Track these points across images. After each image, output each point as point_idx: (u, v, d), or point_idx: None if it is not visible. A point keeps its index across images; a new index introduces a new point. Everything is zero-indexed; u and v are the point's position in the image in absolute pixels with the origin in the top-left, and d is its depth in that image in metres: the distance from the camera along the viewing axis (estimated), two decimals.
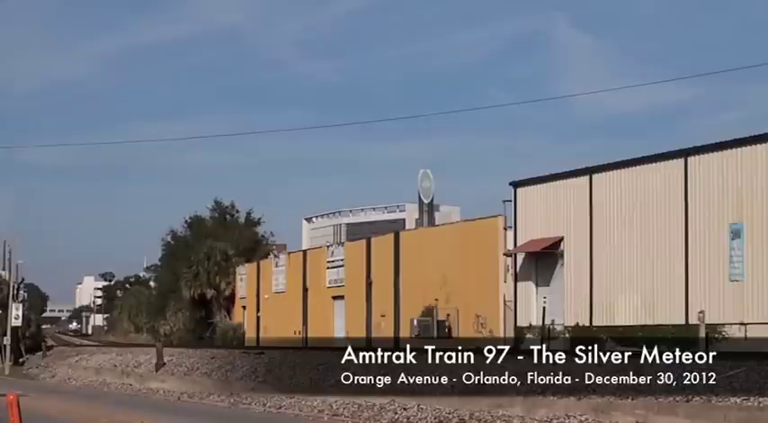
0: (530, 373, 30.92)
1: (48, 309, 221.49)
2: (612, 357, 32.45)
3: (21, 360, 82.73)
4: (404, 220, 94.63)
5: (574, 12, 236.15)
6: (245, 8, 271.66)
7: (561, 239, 52.51)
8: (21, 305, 78.93)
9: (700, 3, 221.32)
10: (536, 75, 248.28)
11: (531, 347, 48.73)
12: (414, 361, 38.66)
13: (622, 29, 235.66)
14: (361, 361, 41.30)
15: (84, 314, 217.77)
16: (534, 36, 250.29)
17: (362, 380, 37.54)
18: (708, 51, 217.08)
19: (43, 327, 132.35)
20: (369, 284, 69.87)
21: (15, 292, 79.17)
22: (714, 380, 25.02)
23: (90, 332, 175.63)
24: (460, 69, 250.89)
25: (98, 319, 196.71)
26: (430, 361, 37.99)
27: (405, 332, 63.81)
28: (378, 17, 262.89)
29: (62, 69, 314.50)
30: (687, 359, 29.13)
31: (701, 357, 29.82)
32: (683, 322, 45.16)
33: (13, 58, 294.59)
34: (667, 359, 29.79)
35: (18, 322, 77.00)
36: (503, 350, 44.45)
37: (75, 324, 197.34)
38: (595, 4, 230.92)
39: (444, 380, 33.44)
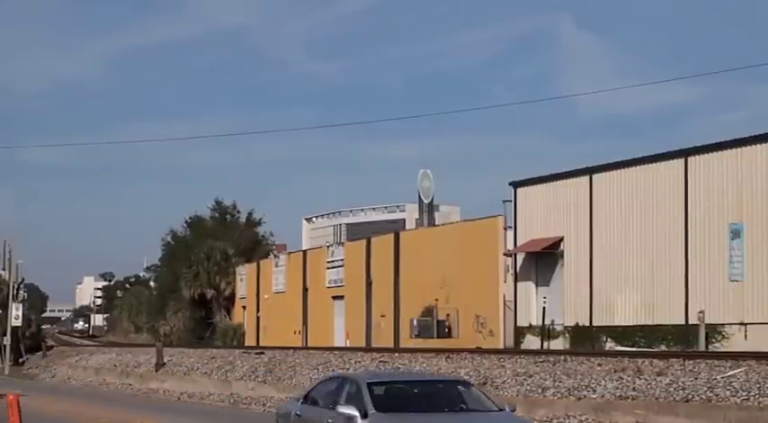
0: (530, 373, 30.92)
1: (48, 309, 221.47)
2: (612, 357, 32.47)
3: (21, 360, 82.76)
4: (404, 220, 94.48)
5: (577, 12, 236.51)
6: (250, 8, 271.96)
7: (561, 239, 52.51)
8: (21, 305, 78.92)
9: (703, 3, 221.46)
10: (539, 75, 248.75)
11: (531, 347, 49.01)
12: (414, 361, 38.70)
13: (626, 29, 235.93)
14: (360, 361, 41.39)
15: (85, 314, 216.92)
16: (538, 36, 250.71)
17: None
18: (711, 52, 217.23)
19: (43, 327, 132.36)
20: (369, 284, 69.86)
21: (15, 292, 79.14)
22: (714, 380, 25.02)
23: (93, 333, 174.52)
24: (464, 69, 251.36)
25: (98, 319, 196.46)
26: (430, 361, 38.01)
27: (405, 332, 63.85)
28: (382, 17, 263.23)
29: (64, 69, 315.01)
30: (687, 359, 29.15)
31: (700, 357, 29.83)
32: (683, 322, 45.16)
33: (15, 59, 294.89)
34: (667, 359, 29.81)
35: (18, 322, 77.00)
36: (502, 350, 44.51)
37: (81, 323, 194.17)
38: (599, 4, 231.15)
39: None
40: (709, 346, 41.80)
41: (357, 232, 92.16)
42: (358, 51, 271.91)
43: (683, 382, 25.67)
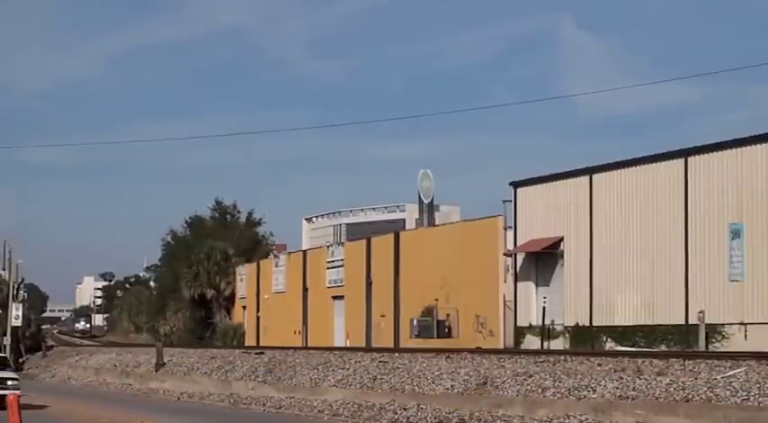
0: (530, 373, 30.91)
1: (48, 309, 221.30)
2: (612, 357, 32.47)
3: (21, 360, 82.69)
4: (404, 220, 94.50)
5: (577, 12, 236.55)
6: (250, 8, 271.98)
7: (561, 239, 52.49)
8: (21, 305, 78.84)
9: (703, 3, 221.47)
10: (539, 75, 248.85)
11: (531, 347, 49.01)
12: (414, 361, 38.68)
13: (626, 29, 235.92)
14: (360, 361, 41.37)
15: (86, 314, 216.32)
16: (538, 36, 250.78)
17: (362, 380, 37.55)
18: (711, 52, 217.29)
19: (43, 327, 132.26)
20: (369, 284, 69.86)
21: (15, 292, 79.07)
22: (714, 380, 25.02)
23: (93, 333, 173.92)
24: (464, 69, 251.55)
25: (98, 319, 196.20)
26: (430, 361, 38.00)
27: (405, 332, 63.85)
28: (382, 17, 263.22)
29: (65, 69, 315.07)
30: (687, 359, 29.15)
31: (700, 357, 29.82)
32: (683, 322, 45.15)
33: (15, 59, 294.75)
34: (667, 359, 29.81)
35: (18, 322, 76.89)
36: (502, 350, 44.50)
37: (82, 323, 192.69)
38: (599, 4, 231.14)
39: (444, 380, 33.44)
40: (709, 346, 41.78)
41: (357, 232, 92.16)
42: (358, 51, 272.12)
43: (683, 382, 25.67)
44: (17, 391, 34.98)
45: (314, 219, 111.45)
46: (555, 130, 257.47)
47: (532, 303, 53.84)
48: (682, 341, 44.47)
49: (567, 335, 51.25)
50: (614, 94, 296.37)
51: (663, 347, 44.59)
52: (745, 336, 42.03)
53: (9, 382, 35.97)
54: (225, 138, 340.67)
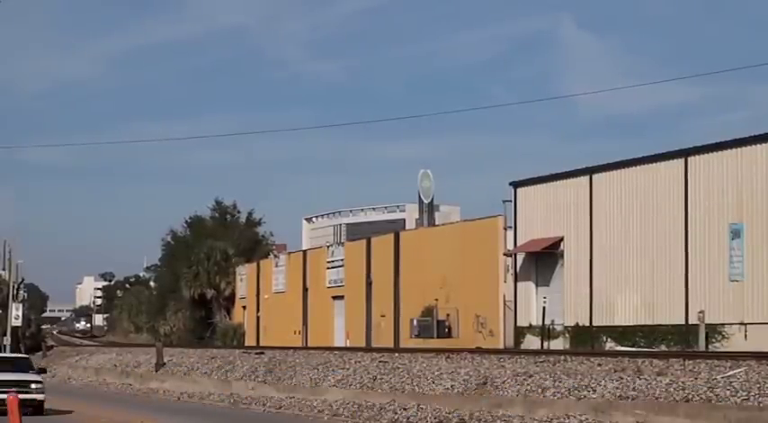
0: (530, 373, 30.91)
1: (48, 309, 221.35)
2: (612, 357, 32.46)
3: None
4: (404, 220, 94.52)
5: (577, 12, 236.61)
6: (250, 8, 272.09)
7: (561, 239, 52.50)
8: (21, 305, 78.85)
9: (703, 3, 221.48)
10: (539, 75, 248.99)
11: (531, 347, 49.01)
12: (414, 361, 38.68)
13: (626, 29, 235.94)
14: (360, 361, 41.37)
15: (87, 313, 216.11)
16: (538, 36, 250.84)
17: (362, 380, 37.55)
18: (711, 52, 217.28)
19: (43, 327, 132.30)
20: (369, 284, 69.86)
21: (15, 292, 79.08)
22: (714, 380, 25.02)
23: (93, 333, 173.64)
24: (464, 69, 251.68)
25: (98, 319, 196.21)
26: (430, 361, 38.00)
27: (405, 332, 63.85)
28: (382, 17, 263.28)
29: (65, 69, 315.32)
30: (687, 359, 29.14)
31: (700, 357, 29.81)
32: (683, 322, 45.16)
33: (15, 59, 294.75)
34: (667, 359, 29.81)
35: (18, 322, 76.91)
36: (502, 350, 44.50)
37: (83, 323, 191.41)
38: (599, 4, 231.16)
39: (444, 380, 33.45)
40: (710, 346, 41.78)
41: (357, 232, 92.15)
42: (358, 51, 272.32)
43: (683, 382, 25.66)
44: (41, 395, 34.57)
45: (314, 219, 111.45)
46: (555, 130, 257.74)
47: (532, 303, 53.84)
48: (682, 341, 44.47)
49: (567, 335, 51.26)
50: (614, 94, 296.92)
51: (663, 347, 44.59)
52: (745, 336, 42.04)
53: (33, 386, 34.22)
54: (225, 138, 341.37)
